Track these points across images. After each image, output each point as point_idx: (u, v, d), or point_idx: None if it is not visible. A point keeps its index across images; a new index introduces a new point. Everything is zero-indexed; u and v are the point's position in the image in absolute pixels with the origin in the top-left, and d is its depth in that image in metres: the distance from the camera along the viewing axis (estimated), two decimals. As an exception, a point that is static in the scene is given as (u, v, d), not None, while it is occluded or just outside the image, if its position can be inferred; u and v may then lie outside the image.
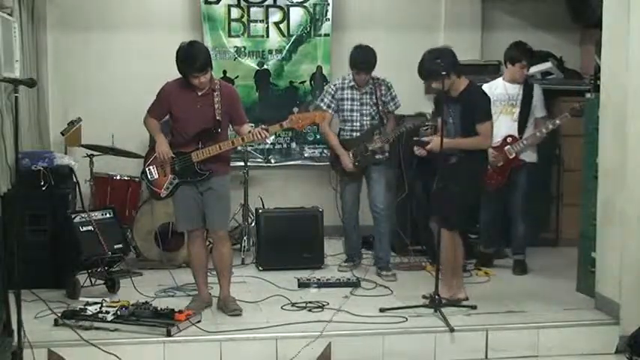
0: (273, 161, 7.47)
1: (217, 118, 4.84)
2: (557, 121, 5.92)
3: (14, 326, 4.10)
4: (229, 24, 7.28)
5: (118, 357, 4.29)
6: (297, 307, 5.07)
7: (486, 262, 6.23)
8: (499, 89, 5.95)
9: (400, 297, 5.32)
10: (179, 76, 4.85)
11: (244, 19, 7.31)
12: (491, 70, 6.19)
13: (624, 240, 4.77)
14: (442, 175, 4.98)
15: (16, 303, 4.05)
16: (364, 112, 5.92)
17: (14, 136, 4.26)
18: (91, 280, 5.43)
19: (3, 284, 4.20)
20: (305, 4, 7.35)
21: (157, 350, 4.41)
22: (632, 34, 4.63)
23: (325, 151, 7.49)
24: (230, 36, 7.29)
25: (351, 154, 5.88)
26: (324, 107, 5.97)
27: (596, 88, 5.21)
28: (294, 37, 7.36)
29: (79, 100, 7.09)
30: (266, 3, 7.31)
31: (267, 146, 7.33)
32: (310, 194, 7.18)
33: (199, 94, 4.86)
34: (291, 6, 7.34)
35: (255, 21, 7.33)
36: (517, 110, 5.97)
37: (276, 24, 7.35)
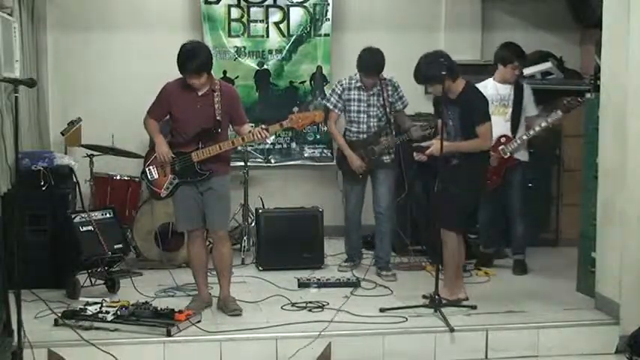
0: (273, 161, 7.47)
1: (217, 118, 4.84)
2: (550, 119, 5.92)
3: (14, 326, 4.10)
4: (229, 24, 7.28)
5: (118, 357, 4.28)
6: (297, 307, 5.07)
7: (486, 262, 6.23)
8: (490, 90, 5.93)
9: (400, 297, 5.31)
10: (179, 76, 4.85)
11: (244, 19, 7.32)
12: (492, 70, 6.18)
13: (624, 240, 4.77)
14: (443, 177, 4.98)
15: (16, 303, 4.05)
16: (371, 113, 5.90)
17: (14, 136, 4.26)
18: (91, 280, 5.43)
19: (3, 284, 4.19)
20: (305, 4, 7.35)
21: (157, 350, 4.41)
22: (632, 34, 4.63)
23: (325, 150, 7.50)
24: (230, 36, 7.30)
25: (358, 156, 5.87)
26: (331, 107, 5.96)
27: (596, 88, 5.21)
28: (294, 37, 7.36)
29: (79, 100, 7.09)
30: (266, 3, 7.31)
31: (267, 146, 7.33)
32: (310, 194, 7.19)
33: (199, 94, 4.86)
34: (291, 6, 7.35)
35: (255, 21, 7.34)
36: (509, 110, 5.97)
37: (276, 24, 7.35)
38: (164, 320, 4.54)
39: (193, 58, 4.72)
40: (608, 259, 4.91)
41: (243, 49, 7.33)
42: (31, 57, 6.46)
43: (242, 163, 6.70)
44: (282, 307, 5.08)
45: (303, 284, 5.60)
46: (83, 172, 6.12)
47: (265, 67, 7.37)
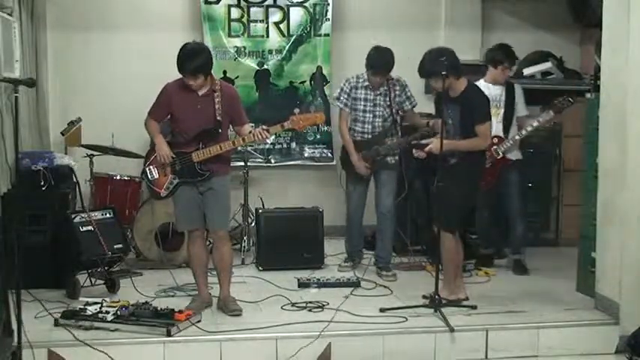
0: (273, 161, 7.47)
1: (218, 118, 4.84)
2: (541, 119, 5.92)
3: (14, 326, 4.10)
4: (229, 24, 7.28)
5: (118, 357, 4.28)
6: (297, 307, 5.07)
7: (486, 262, 6.23)
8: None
9: (400, 297, 5.32)
10: (180, 76, 4.84)
11: (244, 19, 7.32)
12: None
13: (624, 240, 4.77)
14: (441, 177, 4.98)
15: (16, 303, 4.05)
16: (377, 113, 5.88)
17: (14, 136, 4.25)
18: (91, 280, 5.43)
19: (3, 284, 4.19)
20: (305, 4, 7.35)
21: (156, 350, 4.41)
22: (632, 34, 4.63)
23: (325, 150, 7.50)
24: (230, 36, 7.30)
25: (361, 156, 5.86)
26: (342, 106, 5.93)
27: (596, 88, 5.21)
28: (294, 37, 7.37)
29: (79, 100, 7.09)
30: (266, 3, 7.31)
31: (267, 146, 7.33)
32: (310, 194, 7.19)
33: (200, 94, 4.86)
34: (291, 6, 7.35)
35: (255, 21, 7.34)
36: (501, 111, 5.97)
37: (276, 24, 7.36)
38: (164, 320, 4.53)
39: (192, 59, 4.72)
40: (608, 259, 4.91)
41: (243, 49, 7.33)
42: (31, 57, 6.47)
43: (242, 163, 6.70)
44: (282, 307, 5.08)
45: (303, 284, 5.60)
46: (83, 172, 6.12)
47: (265, 67, 7.37)
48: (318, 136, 7.49)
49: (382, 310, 4.96)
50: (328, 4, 7.35)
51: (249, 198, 6.77)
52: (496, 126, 5.92)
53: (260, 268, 6.17)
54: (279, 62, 7.39)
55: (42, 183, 5.51)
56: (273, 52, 7.37)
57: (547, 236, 7.13)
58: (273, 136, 6.72)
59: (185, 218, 5.00)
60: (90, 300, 4.87)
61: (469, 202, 5.26)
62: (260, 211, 6.36)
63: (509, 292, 5.51)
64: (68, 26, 7.12)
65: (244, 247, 6.55)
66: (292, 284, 5.63)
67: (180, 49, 4.79)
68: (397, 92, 5.89)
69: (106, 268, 5.44)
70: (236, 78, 7.26)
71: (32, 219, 5.42)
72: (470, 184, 5.13)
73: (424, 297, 5.14)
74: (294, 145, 7.51)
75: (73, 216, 5.43)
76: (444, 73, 4.85)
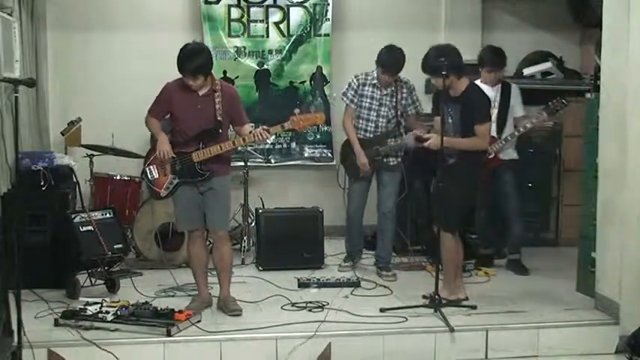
0: (273, 161, 7.47)
1: (218, 118, 4.84)
2: (534, 120, 5.92)
3: (14, 326, 4.10)
4: (229, 24, 7.29)
5: (118, 357, 4.28)
6: (297, 307, 5.07)
7: (486, 262, 6.23)
8: None
9: (400, 297, 5.32)
10: (180, 76, 4.84)
11: (244, 19, 7.32)
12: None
13: (624, 240, 4.77)
14: (440, 177, 4.98)
15: (16, 303, 4.05)
16: (382, 113, 5.86)
17: (14, 136, 4.25)
18: (91, 280, 5.43)
19: (3, 284, 4.19)
20: (305, 4, 7.35)
21: (156, 350, 4.41)
22: (632, 34, 4.63)
23: (325, 150, 7.50)
24: (230, 36, 7.30)
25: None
26: (347, 101, 5.91)
27: (596, 88, 5.20)
28: (294, 37, 7.37)
29: (79, 100, 7.09)
30: (266, 3, 7.31)
31: (267, 146, 7.33)
32: (310, 194, 7.19)
33: (200, 94, 4.86)
34: (291, 6, 7.35)
35: (255, 21, 7.34)
36: (495, 112, 5.97)
37: (276, 24, 7.36)
38: (164, 320, 4.53)
39: (192, 59, 4.72)
40: (608, 259, 4.91)
41: (243, 49, 7.33)
42: (31, 57, 6.47)
43: (242, 163, 6.71)
44: (282, 307, 5.08)
45: (303, 284, 5.60)
46: (83, 172, 6.12)
47: (265, 67, 7.37)
48: (318, 136, 7.49)
49: (382, 310, 4.96)
50: (328, 4, 7.36)
51: (249, 198, 6.77)
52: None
53: (260, 268, 6.16)
54: (279, 62, 7.39)
55: (42, 183, 5.51)
56: (273, 52, 7.37)
57: (547, 236, 7.13)
58: (273, 136, 6.71)
59: (185, 218, 5.00)
60: (90, 300, 4.87)
61: (469, 202, 5.26)
62: (260, 211, 6.36)
63: (509, 292, 5.51)
64: (68, 26, 7.12)
65: (244, 247, 6.55)
66: (292, 284, 5.63)
67: (181, 50, 4.79)
68: (404, 94, 5.87)
69: (106, 268, 5.44)
70: (236, 78, 7.26)
71: (32, 219, 5.42)
72: (469, 184, 5.12)
73: (424, 297, 5.14)
74: (294, 145, 7.51)
75: (73, 216, 5.43)
76: (444, 72, 4.85)
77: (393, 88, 5.84)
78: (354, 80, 5.92)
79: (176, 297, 5.28)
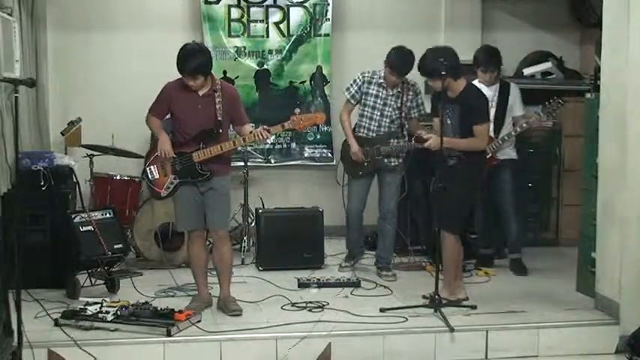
0: (273, 161, 7.47)
1: (218, 118, 4.84)
2: (530, 120, 5.92)
3: (14, 326, 4.10)
4: (229, 24, 7.28)
5: (118, 357, 4.28)
6: (297, 307, 5.07)
7: (486, 262, 6.23)
8: None
9: (400, 297, 5.32)
10: (180, 76, 4.84)
11: (244, 19, 7.32)
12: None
13: (624, 240, 4.77)
14: (440, 177, 4.98)
15: (16, 303, 4.05)
16: (385, 113, 5.82)
17: (14, 136, 4.26)
18: (91, 280, 5.43)
19: (3, 284, 4.19)
20: (305, 4, 7.35)
21: (156, 350, 4.41)
22: (632, 34, 4.63)
23: (325, 150, 7.50)
24: (230, 36, 7.30)
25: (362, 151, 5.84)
26: (348, 96, 5.89)
27: (596, 88, 5.21)
28: (294, 37, 7.36)
29: (79, 100, 7.09)
30: (266, 3, 7.31)
31: (267, 146, 7.33)
32: (310, 194, 7.19)
33: (200, 94, 4.86)
34: (291, 6, 7.35)
35: (255, 21, 7.34)
36: (492, 111, 5.97)
37: (276, 24, 7.35)
38: (164, 320, 4.53)
39: (191, 59, 4.72)
40: (608, 259, 4.91)
41: (243, 49, 7.33)
42: (31, 57, 6.47)
43: (242, 163, 6.70)
44: (282, 307, 5.08)
45: (303, 284, 5.60)
46: (83, 172, 6.12)
47: (265, 67, 7.37)
48: (318, 136, 7.49)
49: (382, 310, 4.96)
50: (328, 4, 7.35)
51: (249, 198, 6.77)
52: None
53: (260, 268, 6.16)
54: (279, 62, 7.38)
55: (42, 183, 5.50)
56: (273, 52, 7.37)
57: (547, 236, 7.13)
58: (273, 136, 6.72)
59: (185, 218, 5.00)
60: (90, 300, 4.87)
61: (469, 203, 5.26)
62: (260, 211, 6.36)
63: (509, 292, 5.51)
64: (68, 26, 7.12)
65: (244, 247, 6.55)
66: (292, 284, 5.63)
67: (180, 50, 4.80)
68: (410, 97, 5.84)
69: (106, 268, 5.45)
70: (236, 78, 7.26)
71: (32, 219, 5.42)
72: (469, 184, 5.13)
73: (424, 297, 5.14)
74: (294, 145, 7.51)
75: (73, 216, 5.43)
76: (443, 73, 4.85)
77: (399, 90, 5.81)
78: (360, 77, 5.89)
79: (176, 297, 5.28)
